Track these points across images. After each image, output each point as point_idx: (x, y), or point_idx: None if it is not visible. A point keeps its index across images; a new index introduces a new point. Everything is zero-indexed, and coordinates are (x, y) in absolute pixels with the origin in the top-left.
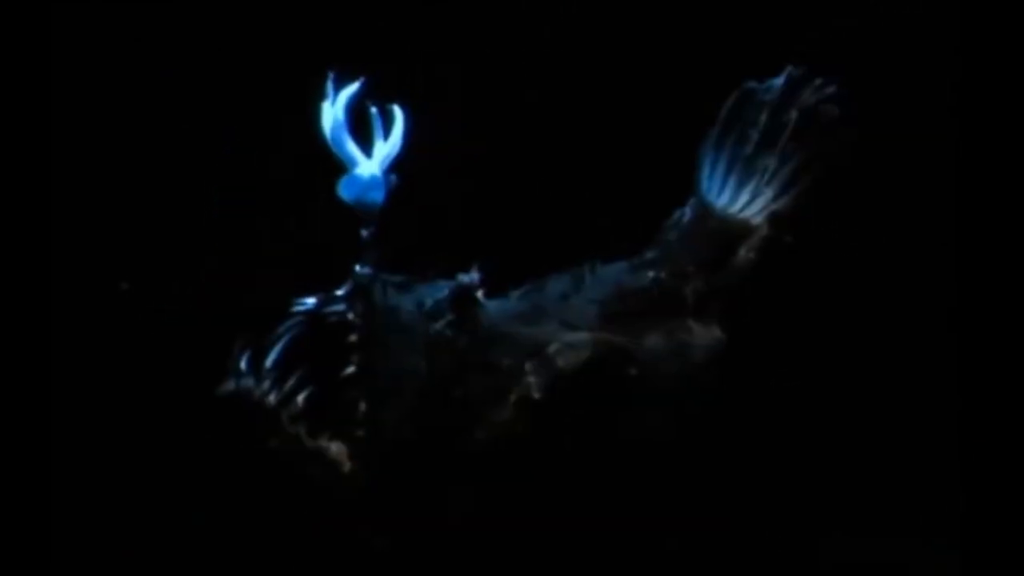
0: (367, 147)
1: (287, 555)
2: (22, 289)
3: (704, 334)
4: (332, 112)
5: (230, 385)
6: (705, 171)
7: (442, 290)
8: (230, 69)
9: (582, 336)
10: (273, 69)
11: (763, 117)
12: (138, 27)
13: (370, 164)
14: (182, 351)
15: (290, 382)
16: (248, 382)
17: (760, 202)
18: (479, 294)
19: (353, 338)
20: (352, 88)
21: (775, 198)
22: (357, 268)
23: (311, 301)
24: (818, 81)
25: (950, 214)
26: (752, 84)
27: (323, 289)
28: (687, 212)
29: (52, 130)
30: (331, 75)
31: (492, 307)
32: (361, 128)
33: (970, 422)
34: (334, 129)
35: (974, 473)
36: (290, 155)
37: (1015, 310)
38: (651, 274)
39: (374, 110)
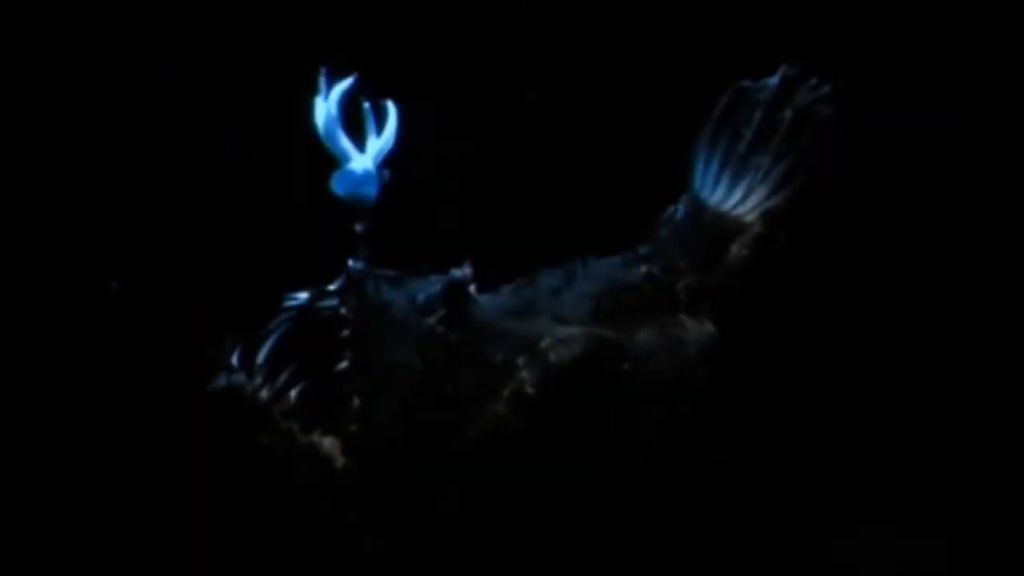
0: (360, 142)
1: (280, 553)
2: (18, 284)
3: (697, 330)
4: (325, 107)
5: (222, 381)
6: (699, 168)
7: (434, 285)
8: (222, 64)
9: (574, 331)
10: (266, 64)
11: (757, 116)
12: (138, 27)
13: (363, 159)
14: (174, 347)
15: (282, 378)
16: (240, 378)
17: (753, 200)
18: (471, 289)
19: (346, 333)
20: (345, 83)
21: (768, 196)
22: (350, 263)
23: (304, 296)
24: (812, 81)
25: (946, 212)
26: (746, 83)
27: (316, 284)
28: (680, 209)
29: (52, 129)
30: (324, 70)
31: (484, 302)
32: (354, 123)
33: (970, 421)
34: (327, 124)
35: (974, 473)
36: (283, 150)
37: (1014, 310)
38: (643, 269)
39: (367, 105)
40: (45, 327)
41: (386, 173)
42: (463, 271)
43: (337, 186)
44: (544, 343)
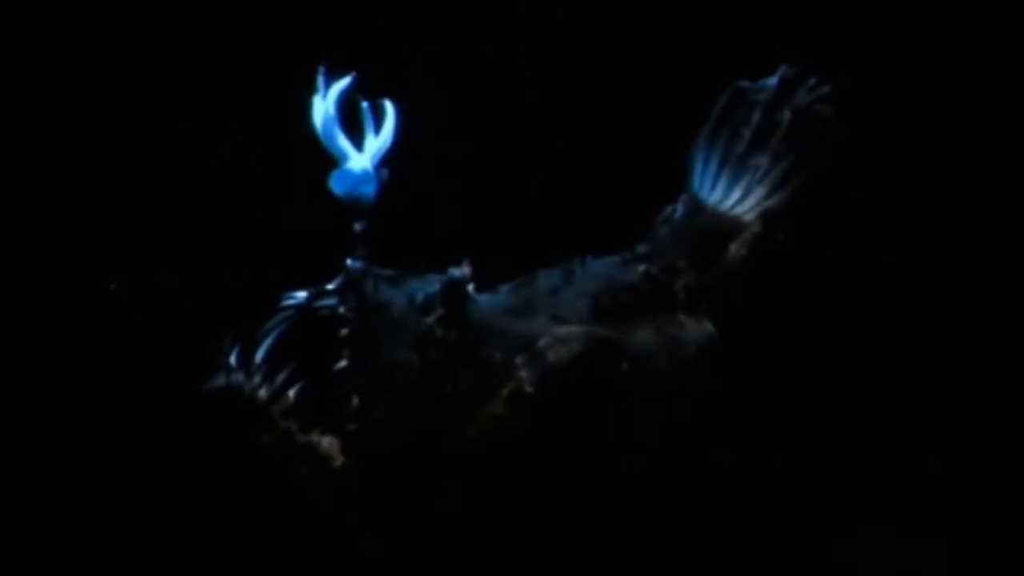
0: (358, 142)
1: (280, 553)
2: (19, 284)
3: (695, 329)
4: (323, 106)
5: (220, 381)
6: (697, 168)
7: (433, 285)
8: (222, 64)
9: (573, 330)
10: (265, 64)
11: (755, 116)
12: (138, 27)
13: (361, 158)
14: (172, 347)
15: (281, 377)
16: (238, 377)
17: (752, 199)
18: (470, 288)
19: (344, 332)
20: (343, 82)
21: (767, 196)
22: (349, 262)
23: (302, 295)
24: (812, 81)
25: (946, 212)
26: (745, 83)
27: (315, 283)
28: (679, 208)
29: (52, 129)
30: (322, 69)
31: (483, 301)
32: (352, 123)
33: (970, 421)
34: (325, 123)
35: (974, 473)
36: (281, 150)
37: (1014, 310)
38: (642, 268)
39: (365, 105)
40: (45, 327)
41: (385, 172)
42: (461, 270)
43: (336, 186)
44: (542, 342)
